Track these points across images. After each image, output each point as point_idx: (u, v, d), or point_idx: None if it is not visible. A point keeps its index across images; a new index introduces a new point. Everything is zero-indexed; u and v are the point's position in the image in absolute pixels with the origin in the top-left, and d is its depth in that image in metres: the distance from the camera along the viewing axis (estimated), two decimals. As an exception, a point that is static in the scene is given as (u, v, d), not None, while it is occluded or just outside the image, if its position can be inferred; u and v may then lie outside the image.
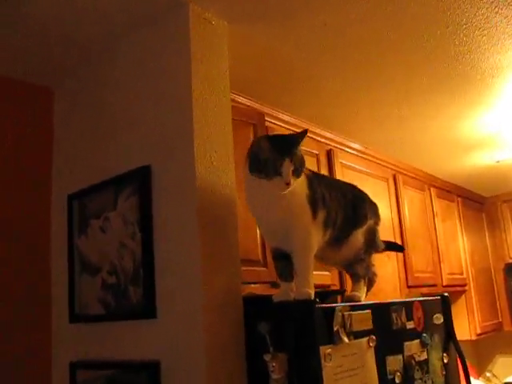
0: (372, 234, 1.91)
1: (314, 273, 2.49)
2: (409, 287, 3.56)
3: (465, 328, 4.49)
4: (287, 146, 1.59)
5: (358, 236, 1.85)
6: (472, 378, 4.33)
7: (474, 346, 5.22)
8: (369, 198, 1.97)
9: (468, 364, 4.56)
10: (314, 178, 1.74)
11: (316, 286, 1.72)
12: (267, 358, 1.57)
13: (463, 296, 4.56)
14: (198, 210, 1.67)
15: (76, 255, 2.08)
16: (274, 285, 2.10)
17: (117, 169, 1.94)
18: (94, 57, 2.15)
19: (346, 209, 1.81)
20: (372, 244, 1.92)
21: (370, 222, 1.90)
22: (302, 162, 1.59)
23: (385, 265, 3.33)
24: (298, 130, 2.79)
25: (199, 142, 1.72)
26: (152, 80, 1.91)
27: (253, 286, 2.16)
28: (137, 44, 2.00)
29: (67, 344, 2.09)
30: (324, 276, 2.68)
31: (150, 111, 1.90)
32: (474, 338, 4.51)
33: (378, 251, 2.11)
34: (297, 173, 1.56)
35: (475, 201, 5.23)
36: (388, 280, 3.34)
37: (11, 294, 2.09)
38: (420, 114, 3.01)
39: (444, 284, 4.12)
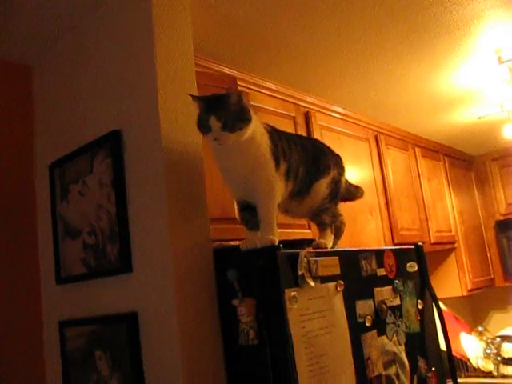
0: (337, 184, 1.99)
1: (295, 231, 2.63)
2: (395, 245, 3.63)
3: (456, 284, 4.60)
4: (214, 103, 1.67)
5: (322, 187, 1.92)
6: (464, 333, 4.48)
7: (467, 302, 5.33)
8: (331, 150, 2.05)
9: (462, 321, 4.69)
10: (275, 133, 1.82)
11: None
12: (235, 303, 1.66)
13: (453, 253, 4.65)
14: (165, 168, 1.75)
15: (59, 220, 2.17)
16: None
17: (91, 135, 2.02)
18: (67, 32, 2.21)
19: (307, 161, 1.89)
20: (337, 194, 2.00)
21: (334, 173, 1.97)
22: (237, 117, 1.64)
23: (368, 223, 3.42)
24: (274, 94, 2.89)
25: (164, 105, 1.79)
26: (118, 47, 1.98)
27: (231, 242, 2.24)
28: (104, 15, 2.06)
29: (55, 304, 2.20)
30: (305, 234, 2.76)
31: (117, 78, 1.97)
32: (465, 293, 4.61)
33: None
34: (228, 128, 1.62)
35: (464, 160, 5.29)
36: (372, 237, 3.43)
37: (3, 261, 2.20)
38: (393, 71, 3.06)
39: (432, 241, 4.20)
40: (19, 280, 2.24)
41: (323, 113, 3.32)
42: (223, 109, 1.64)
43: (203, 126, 1.66)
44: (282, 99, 2.97)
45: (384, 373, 1.91)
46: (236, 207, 1.91)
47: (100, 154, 1.97)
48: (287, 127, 2.81)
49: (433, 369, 2.16)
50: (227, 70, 2.64)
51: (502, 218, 5.28)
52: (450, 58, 2.94)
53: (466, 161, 5.33)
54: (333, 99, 3.34)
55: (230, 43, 2.48)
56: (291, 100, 3.04)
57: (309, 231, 2.80)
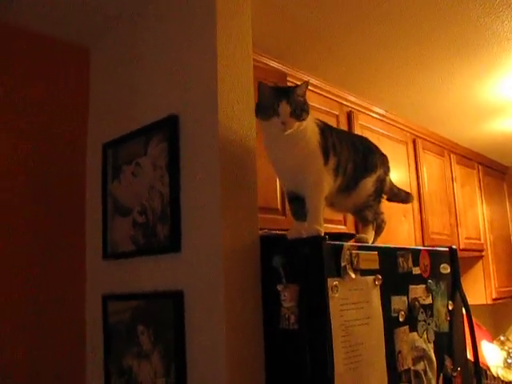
0: (382, 183, 2.05)
1: (331, 226, 2.69)
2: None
3: (481, 292, 4.61)
4: (285, 90, 1.77)
5: (368, 184, 1.98)
6: (486, 342, 4.49)
7: (490, 311, 5.31)
8: (379, 150, 2.10)
9: (484, 328, 4.70)
10: (326, 129, 1.89)
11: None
12: (280, 287, 1.73)
13: (480, 261, 4.68)
14: (220, 156, 1.80)
15: (109, 198, 2.25)
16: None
17: (147, 118, 2.09)
18: (126, 15, 2.28)
19: (357, 158, 1.95)
20: (381, 192, 2.06)
21: (380, 172, 2.03)
22: (302, 107, 1.74)
23: (401, 224, 3.47)
24: (319, 92, 2.95)
25: (223, 93, 1.85)
26: (180, 34, 2.03)
27: (272, 232, 2.31)
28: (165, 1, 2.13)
29: (100, 278, 2.28)
30: (341, 229, 2.83)
31: (176, 63, 2.03)
32: (489, 302, 4.62)
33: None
34: (296, 115, 1.71)
35: (497, 170, 5.30)
36: (404, 239, 3.48)
37: (50, 234, 2.29)
38: (438, 77, 3.10)
39: (461, 248, 4.21)
40: (65, 253, 2.32)
41: (364, 113, 3.38)
42: (294, 96, 1.73)
43: (269, 110, 1.72)
44: (327, 97, 3.04)
45: (413, 367, 1.96)
46: (286, 198, 1.97)
47: (155, 138, 2.04)
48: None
49: (458, 369, 2.20)
50: (278, 66, 2.70)
51: (531, 230, 5.27)
52: (497, 68, 2.97)
53: (499, 171, 5.33)
54: (375, 100, 3.39)
55: (283, 39, 2.54)
56: (335, 98, 3.10)
57: (344, 227, 2.87)
